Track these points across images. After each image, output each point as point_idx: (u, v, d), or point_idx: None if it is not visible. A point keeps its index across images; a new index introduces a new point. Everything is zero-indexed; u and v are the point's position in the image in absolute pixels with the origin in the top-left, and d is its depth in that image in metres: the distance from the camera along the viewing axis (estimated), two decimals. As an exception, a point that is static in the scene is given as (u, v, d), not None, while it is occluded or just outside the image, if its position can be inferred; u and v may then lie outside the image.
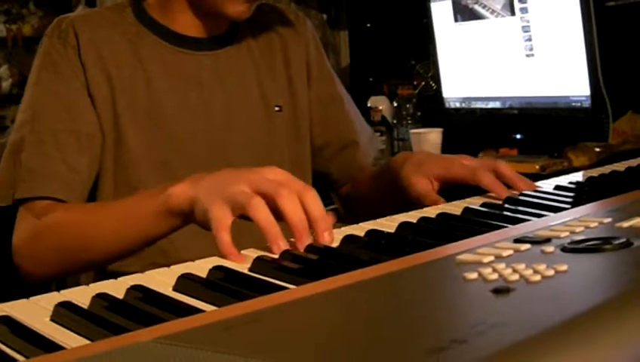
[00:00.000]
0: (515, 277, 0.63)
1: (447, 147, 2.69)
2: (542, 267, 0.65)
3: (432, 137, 2.66)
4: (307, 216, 0.94)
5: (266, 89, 1.45)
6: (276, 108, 1.45)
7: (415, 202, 1.25)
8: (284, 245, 0.91)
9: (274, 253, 0.90)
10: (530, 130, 2.71)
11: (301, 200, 0.95)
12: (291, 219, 0.93)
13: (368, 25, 3.29)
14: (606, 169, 1.37)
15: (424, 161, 1.30)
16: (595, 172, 1.35)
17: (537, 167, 2.39)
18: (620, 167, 1.39)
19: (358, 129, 1.57)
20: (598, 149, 2.39)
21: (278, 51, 1.49)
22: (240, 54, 1.44)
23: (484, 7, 2.63)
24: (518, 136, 2.74)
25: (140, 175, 1.34)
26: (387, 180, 1.37)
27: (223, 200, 0.96)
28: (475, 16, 2.67)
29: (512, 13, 2.55)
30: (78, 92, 1.32)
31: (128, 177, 1.33)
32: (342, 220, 1.52)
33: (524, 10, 2.51)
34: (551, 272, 0.63)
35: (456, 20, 2.73)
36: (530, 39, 2.52)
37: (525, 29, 2.52)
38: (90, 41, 1.34)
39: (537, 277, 0.62)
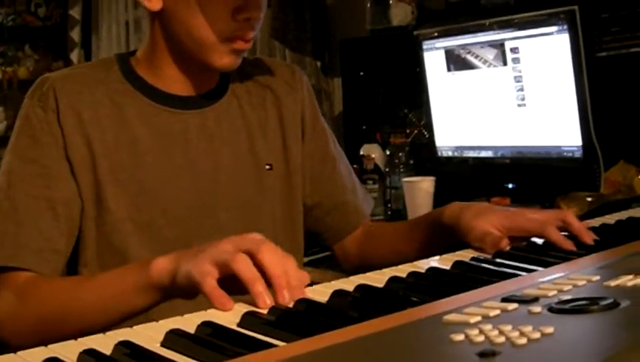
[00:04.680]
0: (502, 339, 0.63)
1: (440, 196, 2.69)
2: (528, 329, 0.65)
3: (424, 186, 2.66)
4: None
5: (257, 146, 1.42)
6: (267, 167, 1.42)
7: (475, 246, 1.22)
8: (269, 299, 0.92)
9: (260, 308, 0.91)
10: (522, 180, 2.71)
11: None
12: (272, 271, 0.95)
13: (361, 73, 3.31)
14: (596, 221, 1.38)
15: (484, 211, 1.28)
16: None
17: (529, 216, 2.39)
18: (611, 219, 1.40)
19: (350, 187, 1.54)
20: (589, 199, 2.39)
21: (271, 107, 1.46)
22: (230, 111, 1.41)
23: (476, 57, 2.66)
24: (510, 186, 2.74)
25: (123, 236, 1.31)
26: (436, 229, 1.36)
27: (205, 260, 0.98)
28: (467, 66, 2.69)
29: (504, 63, 2.57)
30: (55, 159, 1.30)
31: (111, 239, 1.31)
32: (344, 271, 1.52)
33: (516, 61, 2.53)
34: (537, 335, 0.64)
35: (448, 70, 2.75)
36: (522, 89, 2.53)
37: (517, 79, 2.54)
38: (70, 104, 1.31)
39: (523, 340, 0.63)
